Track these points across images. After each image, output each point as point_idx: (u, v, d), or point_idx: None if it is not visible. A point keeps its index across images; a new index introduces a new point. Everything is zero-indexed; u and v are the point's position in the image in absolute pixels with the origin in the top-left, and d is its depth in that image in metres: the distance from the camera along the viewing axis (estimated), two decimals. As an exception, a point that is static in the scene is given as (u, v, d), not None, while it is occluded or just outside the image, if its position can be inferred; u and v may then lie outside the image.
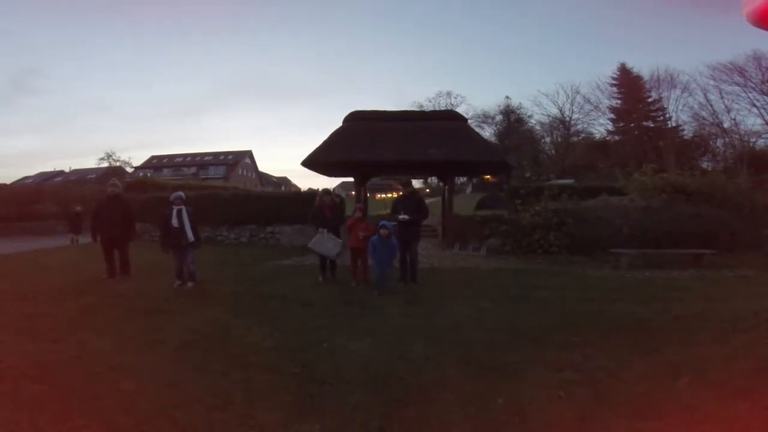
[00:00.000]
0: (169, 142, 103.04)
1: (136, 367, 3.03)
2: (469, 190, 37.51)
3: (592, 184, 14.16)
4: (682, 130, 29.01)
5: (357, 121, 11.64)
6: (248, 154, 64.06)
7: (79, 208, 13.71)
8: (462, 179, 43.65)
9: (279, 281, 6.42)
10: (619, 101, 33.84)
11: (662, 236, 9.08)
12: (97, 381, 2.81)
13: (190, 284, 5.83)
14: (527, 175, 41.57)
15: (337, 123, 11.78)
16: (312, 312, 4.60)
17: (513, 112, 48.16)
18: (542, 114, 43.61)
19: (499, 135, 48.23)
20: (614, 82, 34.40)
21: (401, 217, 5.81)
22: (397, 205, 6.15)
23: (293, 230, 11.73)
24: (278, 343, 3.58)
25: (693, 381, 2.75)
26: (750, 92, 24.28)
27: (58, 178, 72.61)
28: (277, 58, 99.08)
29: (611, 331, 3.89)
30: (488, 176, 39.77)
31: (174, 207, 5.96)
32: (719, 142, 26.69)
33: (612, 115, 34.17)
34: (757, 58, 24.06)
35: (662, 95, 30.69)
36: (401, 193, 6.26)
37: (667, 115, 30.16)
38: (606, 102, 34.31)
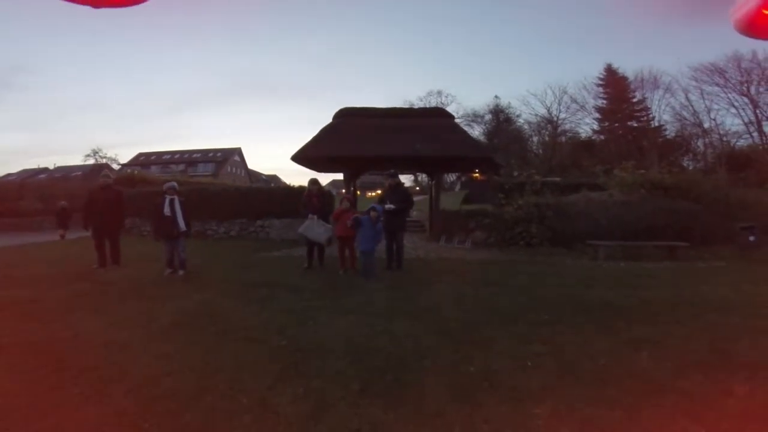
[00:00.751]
0: (157, 139, 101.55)
1: (129, 343, 3.17)
2: (457, 188, 37.84)
3: (574, 181, 14.49)
4: (665, 130, 29.70)
5: (346, 117, 11.79)
6: (237, 151, 63.64)
7: (64, 203, 13.58)
8: (451, 178, 44.03)
9: (268, 270, 6.55)
10: (604, 101, 34.44)
11: (640, 230, 9.40)
12: (91, 355, 2.94)
13: (181, 272, 5.94)
14: (515, 173, 42.04)
15: (328, 120, 11.92)
16: (299, 296, 4.76)
17: (502, 111, 48.71)
18: (530, 113, 44.22)
19: (488, 134, 48.70)
20: (600, 82, 35.01)
21: (387, 206, 6.01)
22: (384, 197, 6.34)
23: (282, 224, 11.83)
24: (266, 321, 3.75)
25: (651, 355, 2.98)
26: (729, 93, 24.97)
27: (42, 175, 71.28)
28: (268, 56, 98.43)
29: (581, 311, 4.12)
30: (477, 174, 40.20)
31: (166, 196, 6.06)
32: (700, 142, 27.38)
33: (598, 115, 34.79)
34: (737, 59, 24.74)
35: (646, 96, 31.38)
36: (388, 184, 6.46)
37: (651, 116, 30.85)
38: (592, 102, 34.97)
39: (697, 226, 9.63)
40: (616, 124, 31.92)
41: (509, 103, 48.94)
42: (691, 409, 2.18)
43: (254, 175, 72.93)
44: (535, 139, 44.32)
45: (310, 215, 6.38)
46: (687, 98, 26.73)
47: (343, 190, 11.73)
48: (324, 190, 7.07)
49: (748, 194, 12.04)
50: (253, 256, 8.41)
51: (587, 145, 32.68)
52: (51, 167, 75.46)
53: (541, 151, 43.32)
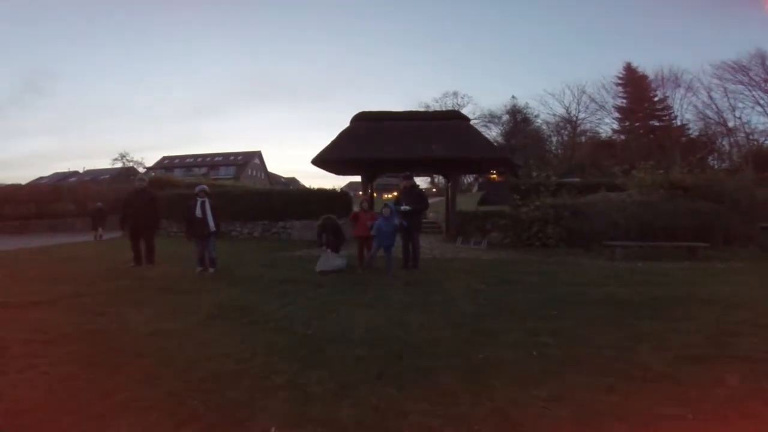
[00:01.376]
0: (179, 143, 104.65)
1: (173, 332, 3.52)
2: (475, 189, 37.79)
3: (593, 181, 14.44)
4: (688, 128, 29.03)
5: (364, 121, 12.11)
6: (257, 154, 64.92)
7: (100, 204, 14.31)
8: (468, 179, 43.94)
9: (291, 268, 6.91)
10: (624, 100, 33.87)
11: (659, 230, 9.38)
12: (141, 343, 3.30)
13: (211, 270, 6.34)
14: (534, 174, 41.68)
15: (345, 123, 12.26)
16: (321, 291, 5.08)
17: (519, 111, 48.33)
18: (549, 113, 43.75)
19: (506, 135, 48.42)
20: (620, 81, 34.45)
21: (403, 207, 6.29)
22: (399, 198, 6.62)
23: (302, 225, 12.23)
24: (292, 313, 4.07)
25: (653, 347, 3.16)
26: (754, 90, 24.28)
27: (73, 179, 74.17)
28: (287, 59, 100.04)
29: (591, 307, 4.30)
30: (494, 176, 40.04)
31: (198, 199, 6.47)
32: (725, 141, 26.67)
33: (618, 115, 34.24)
34: (761, 56, 24.05)
35: (667, 94, 30.74)
36: (403, 186, 6.73)
37: (673, 114, 30.19)
38: (611, 101, 34.44)
39: (718, 226, 9.55)
40: (637, 124, 31.36)
41: (527, 103, 48.50)
42: (682, 396, 2.37)
43: (274, 178, 74.20)
44: (554, 139, 43.91)
45: (323, 249, 6.67)
46: (710, 96, 26.11)
47: (360, 192, 12.00)
48: (338, 222, 7.26)
49: None
50: (277, 255, 8.80)
51: (607, 144, 32.23)
52: (80, 171, 78.27)
53: (560, 151, 42.90)
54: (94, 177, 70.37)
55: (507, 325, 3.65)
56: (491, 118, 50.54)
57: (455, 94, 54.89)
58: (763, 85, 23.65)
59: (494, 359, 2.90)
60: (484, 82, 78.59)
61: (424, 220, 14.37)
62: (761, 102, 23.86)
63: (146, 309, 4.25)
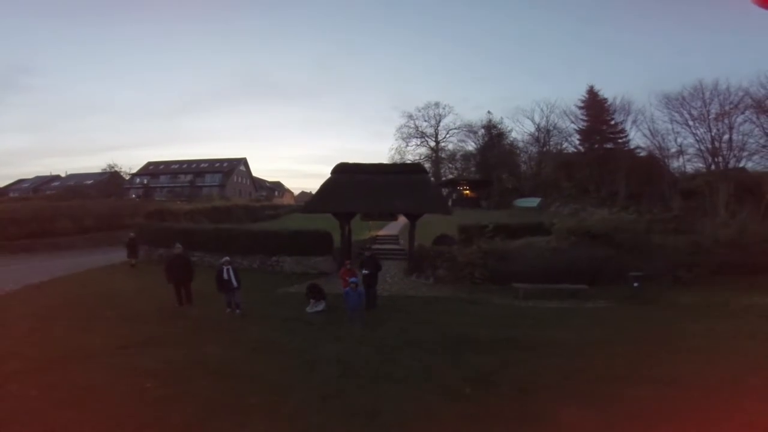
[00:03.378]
0: (162, 141, 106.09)
1: (235, 358, 6.86)
2: (449, 203, 41.39)
3: (528, 222, 18.03)
4: (638, 153, 33.11)
5: (342, 173, 15.44)
6: (243, 161, 67.47)
7: (133, 234, 16.97)
8: (444, 191, 47.59)
9: (290, 306, 10.30)
10: (585, 122, 37.97)
11: (561, 272, 12.87)
12: (224, 366, 6.58)
13: (238, 311, 9.66)
14: (509, 186, 45.65)
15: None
16: (312, 328, 8.52)
17: (494, 126, 52.41)
18: (521, 130, 47.90)
19: (481, 149, 52.35)
20: (582, 104, 38.53)
21: (364, 272, 9.73)
22: (362, 264, 10.08)
23: (292, 260, 15.53)
24: (299, 344, 7.49)
25: (461, 375, 6.61)
26: (691, 121, 28.27)
27: (56, 183, 75.42)
28: (273, 58, 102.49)
29: (452, 343, 7.70)
30: (467, 192, 43.90)
31: (224, 267, 9.76)
32: (669, 167, 30.68)
33: (579, 136, 38.39)
34: (699, 90, 28.08)
35: (623, 119, 34.88)
36: (366, 256, 10.24)
37: (626, 139, 34.38)
38: (572, 124, 38.72)
39: (606, 270, 13.15)
40: (596, 146, 35.36)
41: (501, 118, 52.68)
42: (449, 407, 5.79)
43: (258, 183, 76.83)
44: (525, 155, 47.99)
45: (311, 301, 10.04)
46: (653, 126, 30.04)
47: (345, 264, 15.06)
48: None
49: (667, 238, 15.42)
50: (278, 292, 12.14)
51: (566, 164, 36.18)
52: (63, 175, 79.57)
53: (532, 165, 46.93)
54: (77, 181, 72.04)
55: (400, 347, 7.11)
56: (470, 129, 54.51)
57: (437, 104, 58.94)
58: (696, 118, 27.65)
59: (384, 373, 6.31)
60: (468, 86, 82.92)
61: (395, 248, 17.76)
62: (695, 132, 27.90)
63: (212, 344, 7.57)
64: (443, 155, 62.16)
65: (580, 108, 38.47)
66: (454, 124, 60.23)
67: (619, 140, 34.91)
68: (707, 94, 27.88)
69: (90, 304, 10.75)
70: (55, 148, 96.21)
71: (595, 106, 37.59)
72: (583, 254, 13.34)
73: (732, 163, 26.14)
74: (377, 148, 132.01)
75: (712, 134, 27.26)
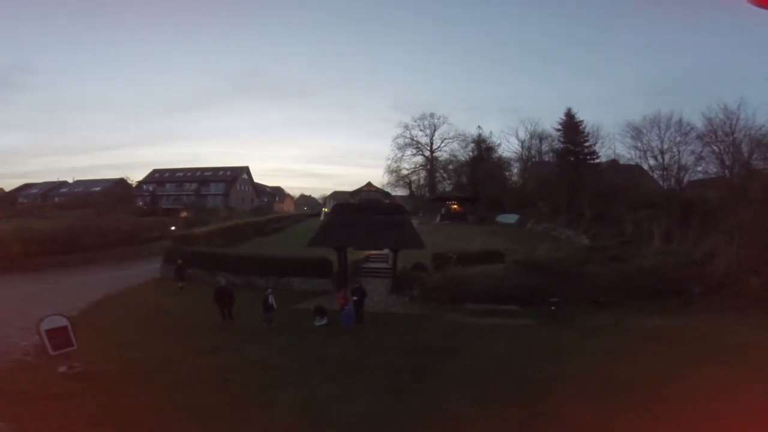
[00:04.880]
0: (162, 140, 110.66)
1: (273, 357, 11.43)
2: (438, 219, 46.10)
3: (489, 249, 22.53)
4: (606, 174, 37.61)
5: (339, 213, 20.08)
6: (245, 169, 72.05)
7: (180, 261, 21.23)
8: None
9: (304, 321, 14.83)
10: (562, 144, 42.48)
11: (506, 295, 17.38)
12: (278, 368, 11.14)
13: (273, 325, 14.23)
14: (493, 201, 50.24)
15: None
16: (318, 336, 13.14)
17: (484, 141, 57.05)
18: (508, 147, 52.59)
19: (472, 161, 56.94)
20: (559, 126, 43.04)
21: (354, 298, 14.36)
22: (353, 292, 14.68)
23: (300, 280, 20.12)
24: (310, 347, 12.13)
25: (414, 373, 11.19)
26: (649, 152, 32.84)
27: (64, 189, 79.91)
28: (272, 59, 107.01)
29: (410, 347, 12.26)
30: (455, 207, 48.50)
31: (268, 295, 14.36)
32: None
33: (555, 157, 42.97)
34: (656, 121, 32.63)
35: (593, 143, 39.47)
36: (355, 287, 14.87)
37: (596, 161, 38.95)
38: (552, 144, 43.39)
39: (538, 294, 17.62)
40: (568, 168, 39.87)
41: (491, 132, 57.39)
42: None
43: (260, 189, 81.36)
44: (508, 173, 52.75)
45: (317, 317, 14.59)
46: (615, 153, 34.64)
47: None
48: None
49: (599, 267, 19.86)
50: (290, 307, 16.68)
51: (543, 184, 40.73)
52: (70, 181, 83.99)
53: (519, 180, 51.60)
54: (85, 188, 76.52)
55: (377, 354, 11.70)
56: (463, 139, 59.38)
57: (432, 115, 64.05)
58: (653, 149, 32.20)
59: (364, 365, 10.88)
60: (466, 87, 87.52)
61: (384, 266, 22.22)
62: (652, 166, 32.50)
63: (259, 349, 12.13)
64: (438, 165, 66.90)
65: (558, 130, 43.01)
66: (448, 134, 65.05)
67: (590, 162, 39.43)
68: (662, 125, 32.55)
69: (153, 319, 15.30)
70: (54, 147, 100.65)
71: (571, 128, 42.05)
72: (523, 281, 17.87)
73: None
74: (377, 147, 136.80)
75: (665, 162, 31.92)
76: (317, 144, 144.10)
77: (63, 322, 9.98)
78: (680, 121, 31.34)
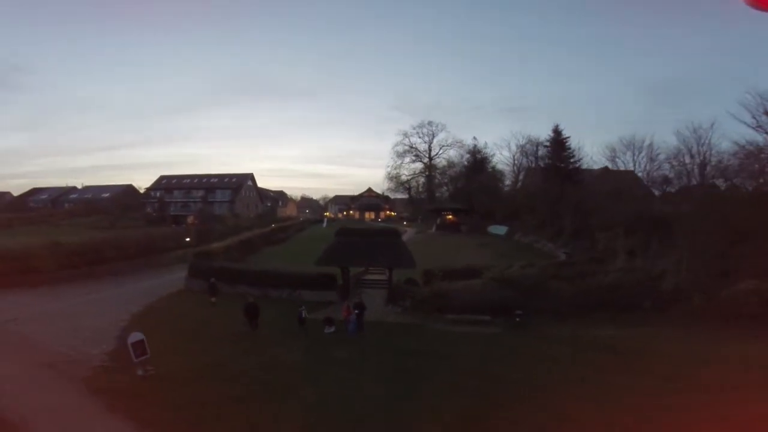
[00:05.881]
0: (162, 140, 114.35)
1: (294, 359, 15.27)
2: (434, 228, 50.01)
3: (473, 265, 26.33)
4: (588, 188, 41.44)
5: (343, 236, 23.92)
6: (250, 176, 76.05)
7: (213, 280, 24.58)
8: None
9: (315, 329, 18.60)
10: (549, 160, 46.31)
11: (483, 307, 21.12)
12: (301, 365, 14.98)
13: (306, 333, 18.06)
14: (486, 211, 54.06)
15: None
16: (329, 342, 17.05)
17: (479, 152, 60.90)
18: (501, 158, 56.50)
19: (467, 171, 60.78)
20: (547, 143, 46.86)
21: (356, 311, 18.18)
22: (355, 306, 18.50)
23: (310, 293, 23.95)
24: (323, 350, 16.03)
25: (397, 369, 15.03)
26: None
27: (74, 195, 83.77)
28: (273, 59, 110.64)
29: (398, 351, 16.09)
30: (450, 217, 52.32)
31: (301, 310, 18.20)
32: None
33: (542, 171, 46.84)
34: (631, 143, 36.52)
35: (578, 160, 43.35)
36: (355, 302, 18.69)
37: (579, 179, 42.77)
38: (540, 160, 47.17)
39: (509, 307, 21.36)
40: (553, 184, 43.69)
41: (485, 143, 61.35)
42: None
43: (263, 193, 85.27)
44: (506, 180, 56.70)
45: (326, 327, 18.40)
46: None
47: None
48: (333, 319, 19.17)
49: (566, 282, 23.66)
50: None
51: (531, 196, 44.58)
52: (79, 186, 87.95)
53: (509, 191, 55.46)
54: (94, 194, 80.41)
55: (373, 356, 15.56)
56: (460, 146, 63.52)
57: (430, 123, 68.48)
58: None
59: (364, 364, 14.72)
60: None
61: (383, 278, 25.92)
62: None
63: (279, 352, 15.97)
64: (436, 173, 70.87)
65: (545, 146, 46.83)
66: (446, 141, 69.12)
67: (573, 179, 43.26)
68: (636, 148, 36.48)
69: (193, 329, 19.06)
70: (54, 148, 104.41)
71: (557, 145, 45.87)
72: (496, 295, 21.62)
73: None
74: (378, 147, 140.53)
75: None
76: (318, 144, 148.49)
77: (141, 336, 13.71)
78: (651, 145, 35.24)
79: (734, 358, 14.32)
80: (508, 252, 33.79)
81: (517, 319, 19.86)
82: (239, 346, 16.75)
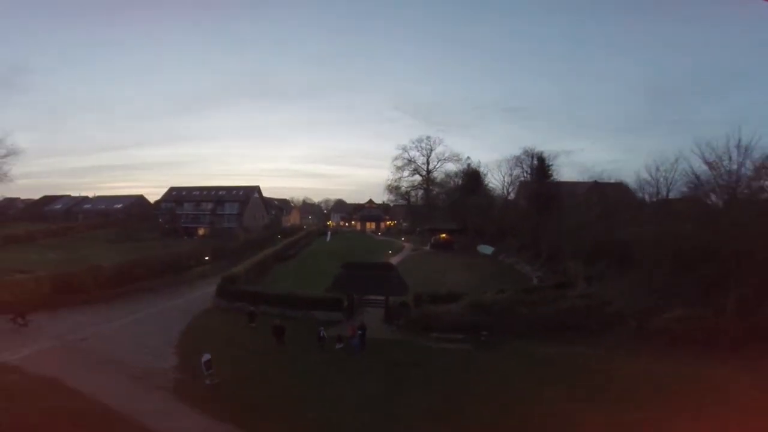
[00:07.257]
0: (162, 141, 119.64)
1: (313, 367, 21.52)
2: (428, 246, 56.24)
3: (456, 292, 32.48)
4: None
5: (346, 269, 30.21)
6: (256, 189, 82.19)
7: (252, 308, 30.82)
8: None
9: (331, 345, 24.78)
10: (533, 184, 52.50)
11: (461, 327, 27.24)
12: (318, 374, 21.24)
13: (325, 349, 24.28)
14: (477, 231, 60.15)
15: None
16: (339, 355, 23.34)
17: (473, 172, 67.08)
18: (492, 179, 62.80)
19: (462, 188, 66.93)
20: (529, 170, 53.07)
21: (359, 332, 24.43)
22: (358, 328, 24.73)
23: (320, 312, 30.16)
24: (333, 362, 22.23)
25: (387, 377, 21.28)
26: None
27: (87, 205, 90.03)
28: (273, 59, 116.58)
29: (389, 363, 22.33)
30: (443, 236, 58.49)
31: (320, 329, 24.46)
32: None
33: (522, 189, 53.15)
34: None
35: (558, 188, 49.51)
36: (358, 325, 24.92)
37: (560, 205, 48.92)
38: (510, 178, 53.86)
39: (480, 328, 27.42)
40: (535, 210, 49.88)
41: (479, 161, 67.74)
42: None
43: (268, 203, 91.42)
44: (496, 201, 62.82)
45: (337, 344, 24.63)
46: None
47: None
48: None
49: (532, 307, 29.81)
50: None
51: (516, 215, 50.75)
52: (90, 196, 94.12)
53: (499, 211, 61.53)
54: (107, 205, 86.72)
55: (372, 367, 21.82)
56: (457, 159, 69.88)
57: (428, 138, 75.08)
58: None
59: (364, 372, 20.97)
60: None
61: (380, 299, 32.11)
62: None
63: (301, 362, 22.21)
64: (434, 186, 77.38)
65: (529, 173, 53.05)
66: (443, 154, 75.70)
67: (554, 205, 49.42)
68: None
69: (234, 344, 25.18)
70: (55, 148, 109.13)
71: (540, 172, 52.05)
72: (469, 318, 27.67)
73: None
74: (379, 148, 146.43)
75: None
76: (319, 144, 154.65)
77: (209, 356, 19.86)
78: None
79: (638, 374, 20.32)
80: (490, 274, 39.90)
81: (482, 339, 25.91)
82: (271, 358, 23.00)
